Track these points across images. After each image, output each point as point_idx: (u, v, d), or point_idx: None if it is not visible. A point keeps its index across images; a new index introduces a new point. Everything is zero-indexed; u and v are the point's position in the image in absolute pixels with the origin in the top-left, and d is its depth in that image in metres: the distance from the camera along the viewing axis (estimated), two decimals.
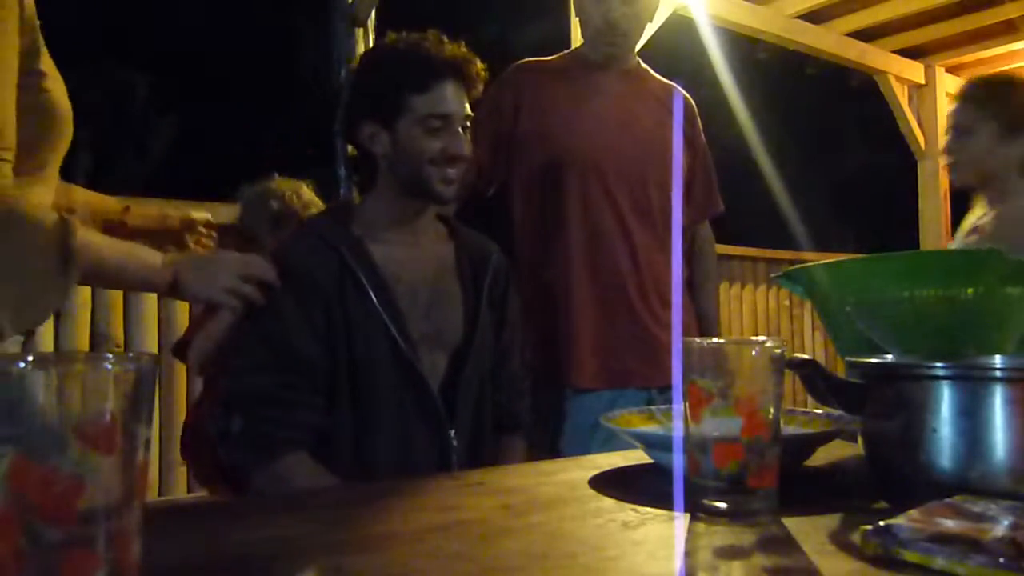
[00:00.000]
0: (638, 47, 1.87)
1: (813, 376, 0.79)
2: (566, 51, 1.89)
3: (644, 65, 1.89)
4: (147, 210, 1.51)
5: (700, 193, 1.86)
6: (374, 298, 1.26)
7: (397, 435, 1.25)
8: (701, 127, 1.87)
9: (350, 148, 1.43)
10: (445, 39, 1.34)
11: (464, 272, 1.39)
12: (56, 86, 1.12)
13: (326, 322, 1.24)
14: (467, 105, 1.34)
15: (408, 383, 1.27)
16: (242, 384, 1.25)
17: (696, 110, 1.86)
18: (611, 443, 1.13)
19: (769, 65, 4.72)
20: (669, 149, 1.76)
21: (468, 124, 1.35)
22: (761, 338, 0.72)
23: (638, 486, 0.84)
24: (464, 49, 1.34)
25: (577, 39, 2.95)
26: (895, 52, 4.60)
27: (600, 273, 1.70)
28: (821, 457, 0.93)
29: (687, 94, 1.86)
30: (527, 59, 1.85)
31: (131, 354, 0.43)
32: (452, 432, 1.29)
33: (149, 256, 1.18)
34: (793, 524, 0.67)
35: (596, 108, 1.75)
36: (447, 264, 1.39)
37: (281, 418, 1.20)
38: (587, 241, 1.70)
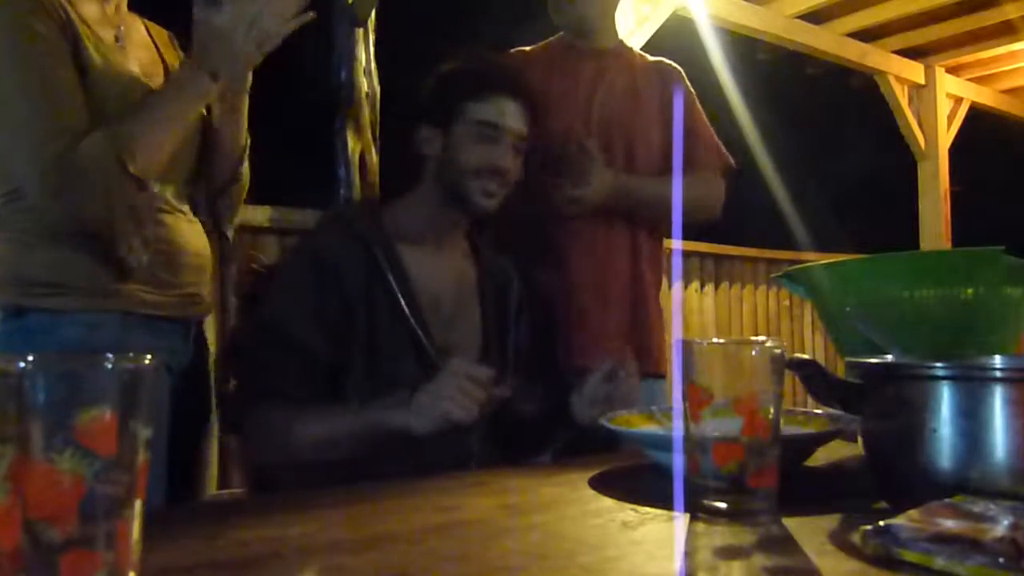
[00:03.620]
0: (639, 35, 1.88)
1: (813, 376, 0.79)
2: (551, 38, 1.89)
3: (628, 46, 1.90)
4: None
5: (689, 150, 1.81)
6: (403, 303, 1.26)
7: (419, 439, 1.24)
8: (685, 93, 1.83)
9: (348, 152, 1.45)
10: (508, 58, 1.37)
11: (486, 295, 1.40)
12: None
13: (345, 319, 1.24)
14: (524, 126, 1.36)
15: None
16: (239, 353, 1.30)
17: (679, 79, 1.84)
18: None
19: (769, 65, 4.71)
20: (640, 126, 1.77)
21: (522, 145, 1.37)
22: (761, 338, 0.72)
23: (638, 486, 0.84)
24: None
25: None
26: (895, 52, 4.61)
27: (564, 259, 1.71)
28: (821, 457, 0.93)
29: (676, 67, 1.85)
30: (515, 49, 1.86)
31: (131, 354, 0.43)
32: (472, 440, 1.29)
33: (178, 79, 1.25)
34: (793, 524, 0.67)
35: (560, 90, 1.76)
36: (469, 282, 1.40)
37: (256, 375, 1.23)
38: (551, 223, 1.71)
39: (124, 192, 1.16)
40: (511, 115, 1.34)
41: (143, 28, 1.36)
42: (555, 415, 1.40)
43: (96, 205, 1.14)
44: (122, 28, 1.30)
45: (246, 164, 1.42)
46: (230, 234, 1.47)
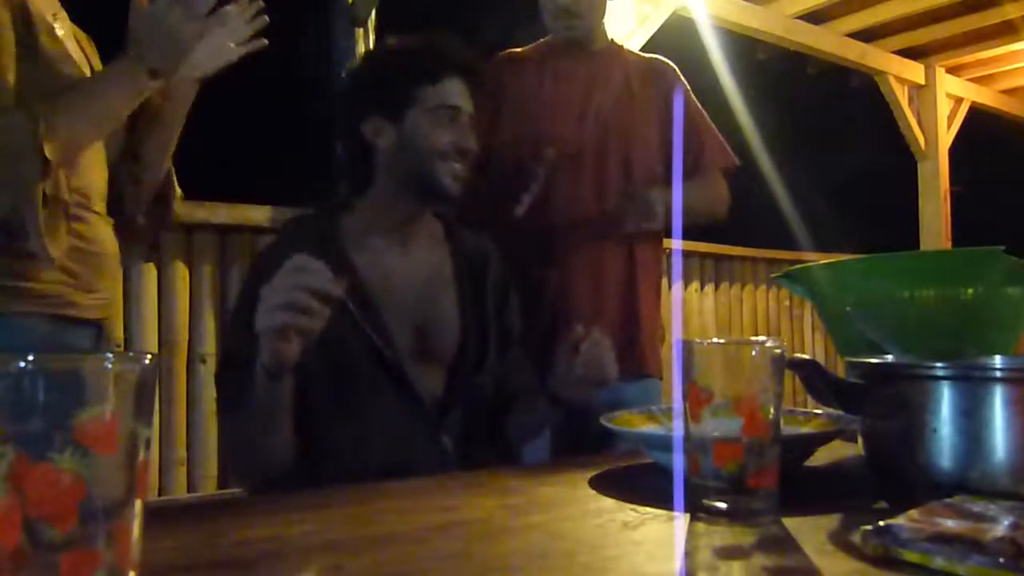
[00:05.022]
0: (633, 32, 1.88)
1: (813, 376, 0.79)
2: (542, 39, 1.88)
3: (619, 44, 1.90)
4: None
5: (689, 151, 1.81)
6: (356, 313, 1.21)
7: (391, 444, 1.22)
8: (684, 92, 1.83)
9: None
10: (453, 39, 1.34)
11: (461, 279, 1.36)
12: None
13: None
14: (474, 105, 1.34)
15: (399, 394, 1.24)
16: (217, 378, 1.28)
17: (674, 77, 1.83)
18: None
19: (769, 65, 4.71)
20: (637, 127, 1.76)
21: (474, 123, 1.34)
22: (761, 338, 0.72)
23: (638, 486, 0.84)
24: (472, 50, 1.34)
25: None
26: (895, 52, 4.61)
27: (559, 260, 1.71)
28: (821, 457, 0.93)
29: (670, 65, 1.85)
30: (506, 51, 1.86)
31: (131, 354, 0.43)
32: (446, 439, 1.26)
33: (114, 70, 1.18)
34: (793, 524, 0.67)
35: (554, 94, 1.76)
36: (442, 271, 1.36)
37: (225, 395, 1.21)
38: (552, 227, 1.71)
39: (36, 178, 1.10)
40: (463, 95, 1.32)
41: (71, 27, 1.32)
42: (542, 396, 1.37)
43: (3, 189, 1.09)
44: (59, 18, 1.26)
45: (172, 175, 1.39)
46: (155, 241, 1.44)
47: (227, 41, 1.23)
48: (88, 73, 1.28)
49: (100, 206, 1.29)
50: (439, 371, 1.31)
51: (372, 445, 1.21)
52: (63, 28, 1.26)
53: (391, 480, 0.91)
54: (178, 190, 1.43)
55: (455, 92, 1.31)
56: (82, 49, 1.33)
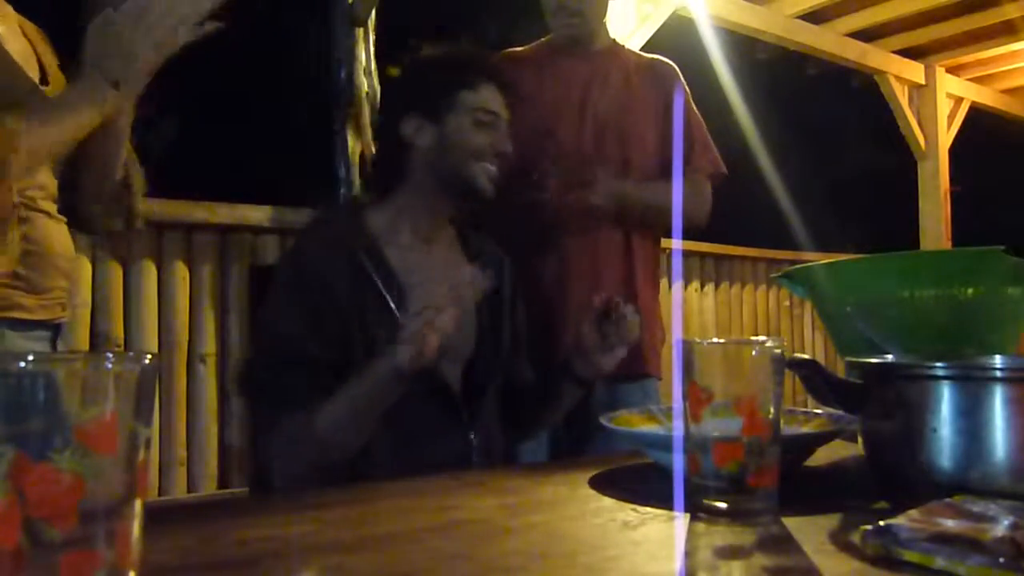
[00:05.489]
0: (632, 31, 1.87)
1: (813, 376, 0.78)
2: (541, 39, 1.88)
3: (620, 44, 1.90)
4: (147, 210, 1.50)
5: (684, 152, 1.81)
6: (393, 305, 1.25)
7: (419, 438, 1.25)
8: (685, 93, 1.83)
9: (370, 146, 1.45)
10: (482, 48, 1.43)
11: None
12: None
13: (340, 326, 1.23)
14: (508, 112, 1.40)
15: (429, 388, 1.26)
16: (247, 375, 1.31)
17: (675, 79, 1.83)
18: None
19: (769, 65, 4.71)
20: (635, 127, 1.76)
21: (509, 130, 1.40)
22: (761, 338, 0.72)
23: (638, 486, 0.84)
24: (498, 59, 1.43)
25: None
26: (895, 52, 4.61)
27: (558, 257, 1.72)
28: (821, 457, 0.93)
29: (672, 65, 1.85)
30: (506, 50, 1.86)
31: (131, 354, 0.43)
32: (472, 435, 1.30)
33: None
34: (793, 524, 0.67)
35: (554, 93, 1.77)
36: (460, 272, 1.37)
37: (269, 396, 1.23)
38: (550, 229, 1.71)
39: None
40: (499, 101, 1.39)
41: (15, 19, 1.29)
42: (555, 386, 1.40)
43: None
44: None
45: (135, 174, 1.36)
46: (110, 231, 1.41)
47: (175, 29, 1.20)
48: (33, 70, 1.27)
49: (47, 205, 1.27)
50: (458, 366, 1.34)
51: (409, 443, 1.24)
52: (2, 25, 1.24)
53: (395, 480, 0.91)
54: (143, 184, 1.41)
55: (492, 98, 1.38)
56: (31, 44, 1.30)
